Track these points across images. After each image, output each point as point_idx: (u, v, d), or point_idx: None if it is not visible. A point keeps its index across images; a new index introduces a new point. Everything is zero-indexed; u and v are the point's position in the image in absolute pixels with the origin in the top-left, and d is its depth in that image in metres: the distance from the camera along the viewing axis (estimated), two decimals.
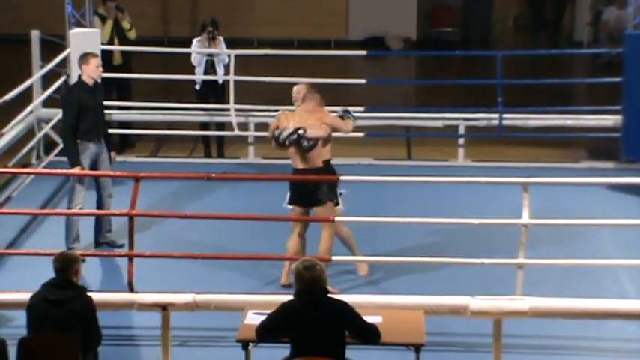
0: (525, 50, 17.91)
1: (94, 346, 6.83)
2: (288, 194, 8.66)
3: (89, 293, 6.85)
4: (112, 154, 9.80)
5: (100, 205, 9.59)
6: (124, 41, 12.66)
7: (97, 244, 9.63)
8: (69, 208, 9.46)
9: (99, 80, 9.59)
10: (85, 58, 9.56)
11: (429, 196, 10.43)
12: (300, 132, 8.49)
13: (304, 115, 8.68)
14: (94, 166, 9.52)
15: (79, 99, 9.46)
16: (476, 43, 19.19)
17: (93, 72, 9.49)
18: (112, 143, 9.96)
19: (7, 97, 10.42)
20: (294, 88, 9.04)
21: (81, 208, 9.43)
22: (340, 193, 8.68)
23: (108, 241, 9.59)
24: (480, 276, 8.72)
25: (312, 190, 8.54)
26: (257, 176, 8.45)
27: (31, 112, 11.81)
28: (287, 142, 8.50)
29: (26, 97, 11.53)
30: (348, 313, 6.57)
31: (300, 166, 8.61)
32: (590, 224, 9.26)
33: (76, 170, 9.35)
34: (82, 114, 9.43)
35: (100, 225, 9.63)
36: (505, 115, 12.20)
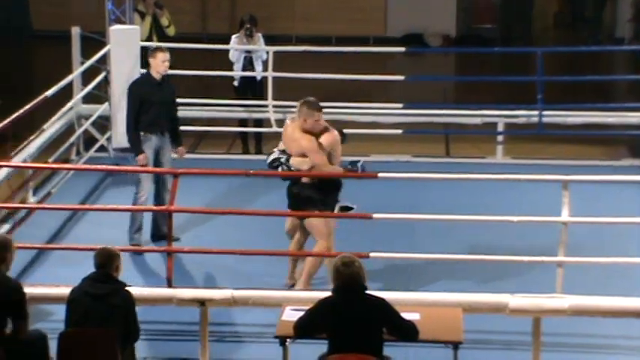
0: (566, 47, 17.78)
1: (132, 341, 6.86)
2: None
3: (128, 288, 6.87)
4: (180, 149, 9.87)
5: (157, 198, 9.63)
6: (162, 38, 12.70)
7: (155, 238, 9.64)
8: (135, 199, 9.51)
9: (165, 75, 9.65)
10: (153, 52, 9.70)
11: (468, 193, 10.37)
12: (283, 159, 8.43)
13: (295, 135, 8.46)
14: (156, 158, 9.59)
15: (140, 92, 9.56)
16: (516, 39, 19.08)
17: (159, 66, 9.57)
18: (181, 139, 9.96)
19: (49, 92, 10.47)
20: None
21: (146, 199, 9.47)
22: (347, 207, 8.47)
23: (164, 235, 9.55)
24: (519, 274, 8.67)
25: (302, 200, 8.41)
26: (295, 173, 8.39)
27: (72, 108, 11.87)
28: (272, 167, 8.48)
29: (67, 94, 11.59)
30: (386, 309, 6.55)
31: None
32: (631, 222, 9.16)
33: (141, 158, 9.46)
34: (144, 107, 9.50)
35: (157, 219, 9.65)
36: (545, 112, 12.12)
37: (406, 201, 10.07)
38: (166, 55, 9.62)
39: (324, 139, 8.41)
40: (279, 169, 8.45)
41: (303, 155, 8.39)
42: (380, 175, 8.34)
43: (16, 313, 6.76)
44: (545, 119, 12.13)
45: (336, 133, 8.54)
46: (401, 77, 12.83)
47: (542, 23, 20.09)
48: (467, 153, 12.56)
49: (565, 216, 8.04)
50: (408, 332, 6.63)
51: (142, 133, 9.56)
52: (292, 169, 8.40)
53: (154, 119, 9.56)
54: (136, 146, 9.58)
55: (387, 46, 15.44)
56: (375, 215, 8.30)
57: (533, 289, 7.80)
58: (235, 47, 12.32)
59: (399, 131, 12.36)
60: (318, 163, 8.35)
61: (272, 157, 8.51)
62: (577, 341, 7.97)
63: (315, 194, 8.40)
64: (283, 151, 8.49)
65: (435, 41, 18.90)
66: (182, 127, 12.65)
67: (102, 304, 6.66)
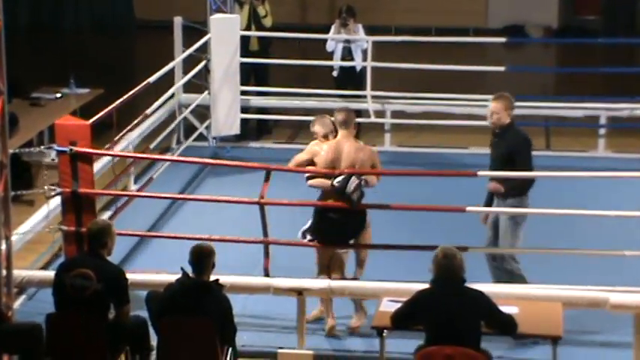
0: None
1: (229, 340, 6.86)
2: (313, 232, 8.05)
3: (223, 281, 6.86)
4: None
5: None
6: (260, 27, 12.73)
7: None
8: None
9: (505, 126, 8.13)
10: None
11: (568, 186, 10.18)
12: (362, 182, 7.79)
13: (358, 144, 8.00)
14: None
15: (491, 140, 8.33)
16: (620, 30, 18.70)
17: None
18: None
19: (151, 79, 10.60)
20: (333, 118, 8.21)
21: None
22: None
23: None
24: (619, 269, 8.51)
25: (350, 229, 7.99)
26: (387, 171, 8.26)
27: (173, 95, 12.01)
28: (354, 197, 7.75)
29: (168, 83, 11.72)
30: (484, 302, 6.50)
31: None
32: None
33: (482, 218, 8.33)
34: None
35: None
36: None
37: None
38: (492, 106, 8.10)
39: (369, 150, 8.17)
40: (355, 195, 7.78)
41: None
42: (479, 173, 8.21)
43: (118, 298, 6.86)
44: None
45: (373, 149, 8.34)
46: (501, 68, 12.69)
47: None
48: (568, 146, 12.37)
49: None
50: (506, 326, 6.57)
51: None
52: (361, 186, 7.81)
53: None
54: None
55: (487, 37, 15.28)
56: (469, 208, 8.22)
57: (635, 284, 7.67)
58: (330, 37, 12.32)
59: None
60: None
61: (352, 183, 7.75)
62: None
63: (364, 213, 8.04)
64: (350, 175, 7.82)
65: (537, 33, 18.64)
66: (281, 117, 12.87)
67: (194, 314, 6.64)
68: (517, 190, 8.08)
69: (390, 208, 8.26)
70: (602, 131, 12.21)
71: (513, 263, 8.17)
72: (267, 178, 8.18)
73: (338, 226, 7.97)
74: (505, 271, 8.17)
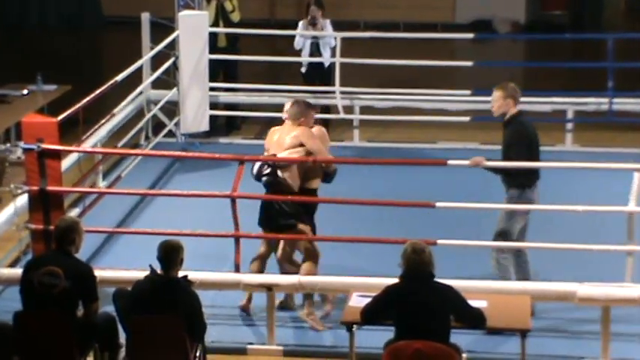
0: (637, 33, 17.48)
1: (199, 337, 6.85)
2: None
3: (192, 277, 6.84)
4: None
5: None
6: (228, 23, 12.69)
7: None
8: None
9: (511, 116, 8.30)
10: None
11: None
12: (268, 169, 8.06)
13: (291, 132, 8.18)
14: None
15: None
16: (586, 26, 18.82)
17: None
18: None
19: (118, 77, 10.56)
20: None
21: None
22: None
23: None
24: (587, 263, 8.57)
25: (276, 214, 8.08)
26: (359, 160, 8.31)
27: (141, 93, 11.97)
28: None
29: (136, 79, 11.68)
30: (453, 297, 6.53)
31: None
32: None
33: None
34: None
35: None
36: (615, 100, 11.99)
37: (473, 189, 9.98)
38: (493, 94, 8.20)
39: (316, 129, 8.28)
40: (263, 178, 8.08)
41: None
42: (449, 162, 8.26)
43: (86, 295, 6.84)
44: (615, 107, 12.00)
45: (324, 129, 8.46)
46: (469, 63, 12.74)
47: (613, 9, 19.79)
48: None
49: (632, 206, 7.93)
50: (475, 320, 6.61)
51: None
52: (280, 180, 8.02)
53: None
54: None
55: (455, 33, 15.32)
56: (439, 204, 8.24)
57: (602, 278, 7.73)
58: (299, 34, 12.31)
59: (467, 118, 12.28)
60: (316, 150, 8.08)
61: (257, 166, 8.12)
62: None
63: (300, 207, 8.08)
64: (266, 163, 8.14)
65: (504, 28, 18.71)
66: (250, 113, 12.84)
67: (165, 310, 6.63)
68: (517, 182, 8.12)
69: (354, 203, 8.30)
70: (569, 126, 12.28)
71: (500, 253, 8.14)
72: (240, 168, 8.15)
73: (265, 208, 8.11)
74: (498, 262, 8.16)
